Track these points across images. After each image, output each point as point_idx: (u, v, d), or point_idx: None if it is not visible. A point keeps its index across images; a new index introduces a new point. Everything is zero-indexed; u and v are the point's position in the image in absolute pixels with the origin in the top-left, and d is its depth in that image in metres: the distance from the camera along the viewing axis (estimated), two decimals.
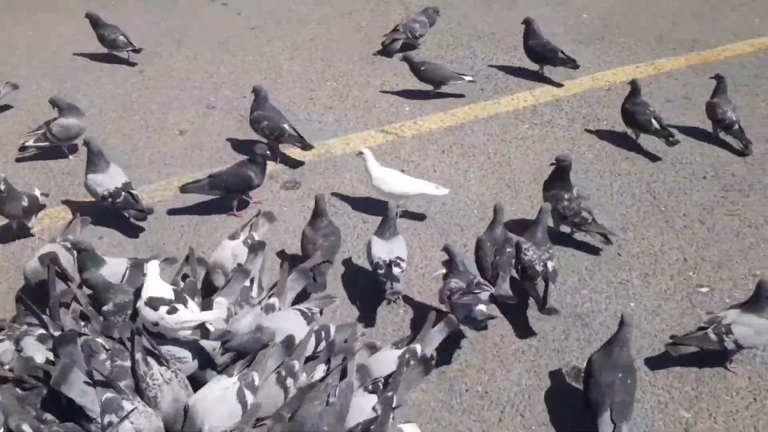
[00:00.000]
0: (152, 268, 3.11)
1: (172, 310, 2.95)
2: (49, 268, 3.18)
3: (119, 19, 6.14)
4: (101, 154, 4.13)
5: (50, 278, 3.16)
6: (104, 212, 4.14)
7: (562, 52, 5.57)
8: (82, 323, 3.17)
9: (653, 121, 4.76)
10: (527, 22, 5.63)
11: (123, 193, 4.08)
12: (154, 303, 2.96)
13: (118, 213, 4.12)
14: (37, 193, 4.02)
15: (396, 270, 3.52)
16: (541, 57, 5.66)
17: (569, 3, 7.12)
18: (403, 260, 3.58)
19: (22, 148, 4.69)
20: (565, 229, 4.09)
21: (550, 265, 3.54)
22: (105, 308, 3.18)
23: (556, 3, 7.11)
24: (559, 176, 4.04)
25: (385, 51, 6.09)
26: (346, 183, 4.59)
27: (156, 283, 3.05)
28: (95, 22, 5.82)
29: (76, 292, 3.26)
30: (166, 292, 3.01)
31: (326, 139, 5.04)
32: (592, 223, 3.96)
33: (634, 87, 4.83)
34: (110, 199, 4.09)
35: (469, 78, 5.44)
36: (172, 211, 4.31)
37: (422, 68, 5.42)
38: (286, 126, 4.68)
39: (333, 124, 5.23)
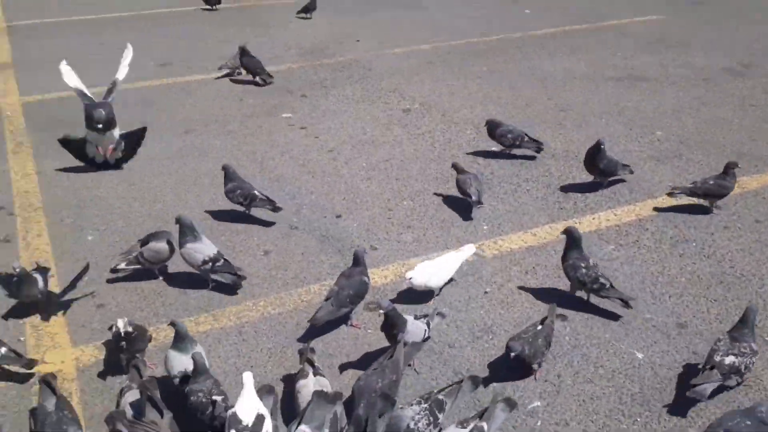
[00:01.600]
0: (247, 380, 3.26)
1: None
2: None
3: (202, 143, 6.45)
4: (193, 227, 4.60)
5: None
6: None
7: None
8: None
9: None
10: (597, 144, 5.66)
11: (222, 258, 4.60)
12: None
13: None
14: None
15: None
16: (609, 173, 5.77)
17: (640, 121, 7.16)
18: None
19: (114, 270, 4.86)
20: (581, 294, 4.44)
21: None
22: None
23: (627, 120, 7.17)
24: (572, 246, 4.42)
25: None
26: (428, 305, 4.55)
27: (250, 399, 3.19)
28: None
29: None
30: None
31: (406, 259, 5.06)
32: (610, 288, 4.29)
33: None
34: (210, 264, 4.56)
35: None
36: (258, 333, 4.32)
37: None
38: (256, 192, 5.48)
39: (412, 243, 5.25)
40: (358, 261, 4.35)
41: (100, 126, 6.19)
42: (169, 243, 4.78)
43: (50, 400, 3.43)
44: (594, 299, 4.42)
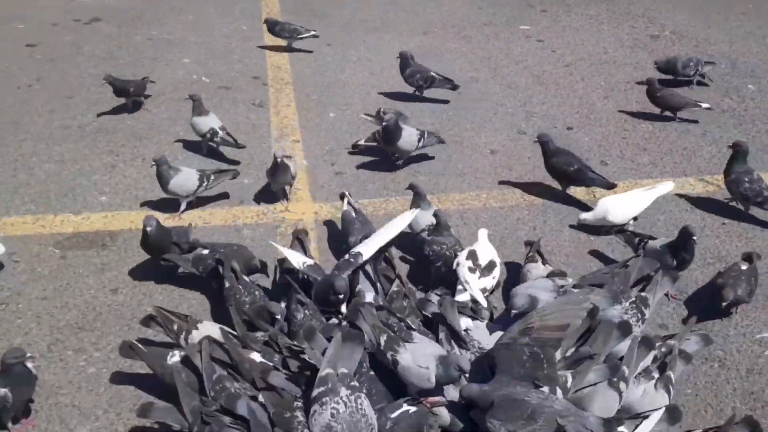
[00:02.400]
0: (482, 235, 3.75)
1: None
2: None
3: (439, 46, 6.55)
4: (201, 103, 5.03)
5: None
6: None
7: None
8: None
9: None
10: None
11: (221, 132, 5.00)
12: None
13: None
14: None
15: None
16: None
17: None
18: None
19: (355, 146, 5.20)
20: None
21: None
22: None
23: None
24: (737, 160, 4.32)
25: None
26: (659, 225, 4.36)
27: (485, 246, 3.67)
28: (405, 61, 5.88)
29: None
30: None
31: (639, 179, 4.86)
32: None
33: None
34: (208, 135, 4.98)
35: (706, 105, 5.47)
36: (478, 220, 4.44)
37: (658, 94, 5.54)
38: (433, 74, 5.77)
39: (648, 166, 5.03)
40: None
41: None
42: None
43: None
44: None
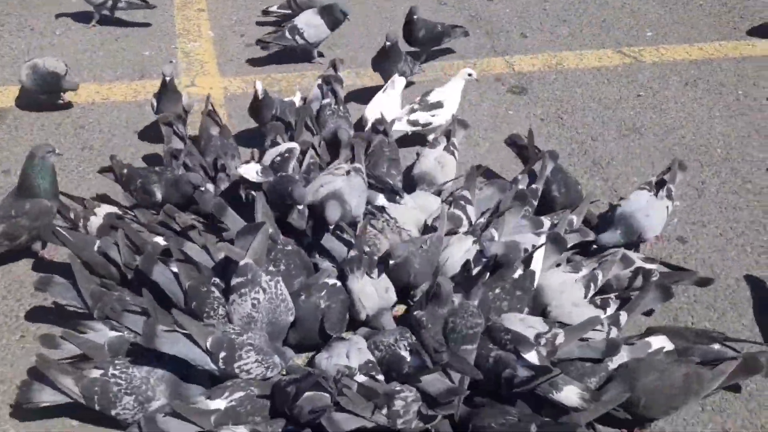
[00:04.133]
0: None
1: None
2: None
3: None
4: None
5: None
6: None
7: None
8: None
9: None
10: None
11: None
12: None
13: None
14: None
15: None
16: None
17: None
18: None
19: (266, 12, 4.84)
20: None
21: None
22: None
23: None
24: None
25: None
26: (576, 97, 4.35)
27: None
28: None
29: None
30: None
31: (558, 50, 4.79)
32: None
33: None
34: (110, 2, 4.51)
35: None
36: None
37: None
38: None
39: (567, 38, 4.95)
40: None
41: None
42: None
43: (214, 128, 3.56)
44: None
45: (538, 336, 2.53)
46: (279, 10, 4.78)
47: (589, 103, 4.31)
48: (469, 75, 3.84)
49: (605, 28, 5.07)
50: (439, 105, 3.74)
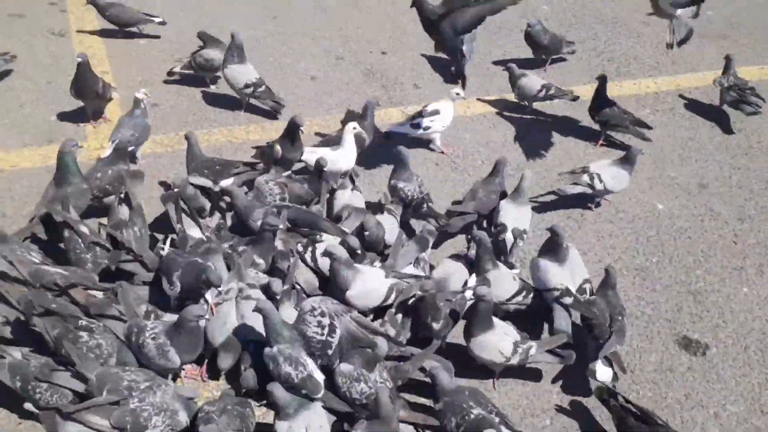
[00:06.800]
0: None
1: None
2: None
3: None
4: (242, 49, 4.61)
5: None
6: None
7: None
8: None
9: None
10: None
11: (264, 84, 4.65)
12: None
13: None
14: None
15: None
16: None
17: None
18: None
19: (170, 74, 5.05)
20: None
21: None
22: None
23: None
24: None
25: None
26: (466, 143, 4.76)
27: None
28: None
29: None
30: None
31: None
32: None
33: None
34: (252, 89, 4.58)
35: (159, 20, 5.46)
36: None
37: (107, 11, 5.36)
38: None
39: (458, 87, 5.35)
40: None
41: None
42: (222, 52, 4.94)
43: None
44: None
45: None
46: (182, 71, 4.98)
47: (478, 148, 4.73)
48: (457, 95, 4.50)
49: (488, 77, 5.56)
50: (436, 112, 4.48)
